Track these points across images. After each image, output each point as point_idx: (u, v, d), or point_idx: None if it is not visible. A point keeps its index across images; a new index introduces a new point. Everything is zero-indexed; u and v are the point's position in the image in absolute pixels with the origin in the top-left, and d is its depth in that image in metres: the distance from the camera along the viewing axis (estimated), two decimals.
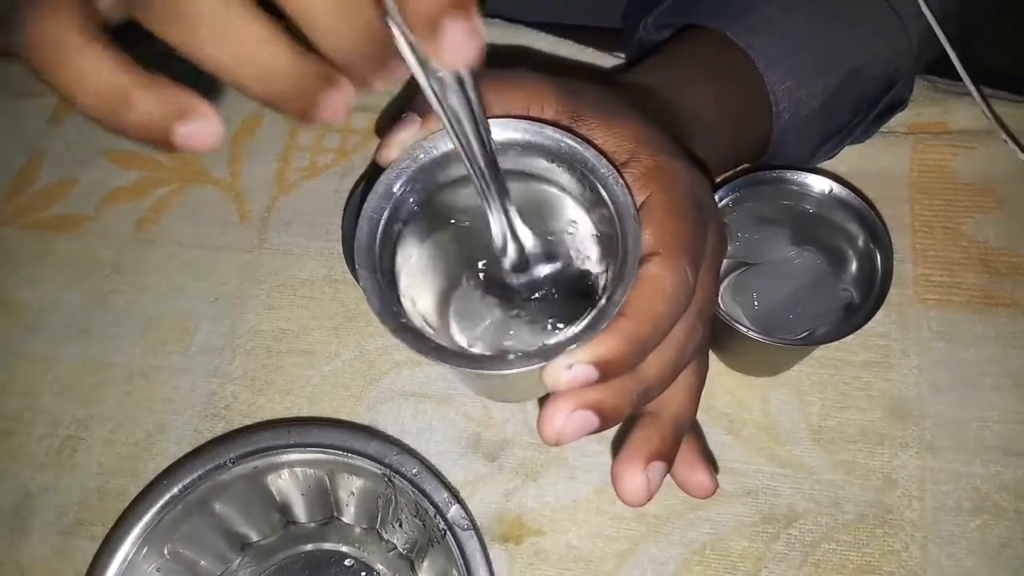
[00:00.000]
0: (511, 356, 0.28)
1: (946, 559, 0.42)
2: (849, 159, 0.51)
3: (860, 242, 0.42)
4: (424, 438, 0.47)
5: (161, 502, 0.42)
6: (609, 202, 0.30)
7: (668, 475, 0.33)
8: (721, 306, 0.44)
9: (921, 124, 0.52)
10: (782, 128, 0.45)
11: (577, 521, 0.45)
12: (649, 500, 0.31)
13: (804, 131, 0.46)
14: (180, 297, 0.53)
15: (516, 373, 0.28)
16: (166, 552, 0.43)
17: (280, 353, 0.50)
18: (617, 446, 0.46)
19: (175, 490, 0.42)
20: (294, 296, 0.52)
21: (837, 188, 0.42)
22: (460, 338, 0.32)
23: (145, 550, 0.42)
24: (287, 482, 0.45)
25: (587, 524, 0.45)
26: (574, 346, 0.27)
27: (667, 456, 0.32)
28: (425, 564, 0.44)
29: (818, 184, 0.43)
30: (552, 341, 0.28)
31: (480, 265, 0.33)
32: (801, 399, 0.46)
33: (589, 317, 0.28)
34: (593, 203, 0.31)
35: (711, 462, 0.36)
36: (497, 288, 0.32)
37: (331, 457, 0.43)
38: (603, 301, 0.28)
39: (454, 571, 0.41)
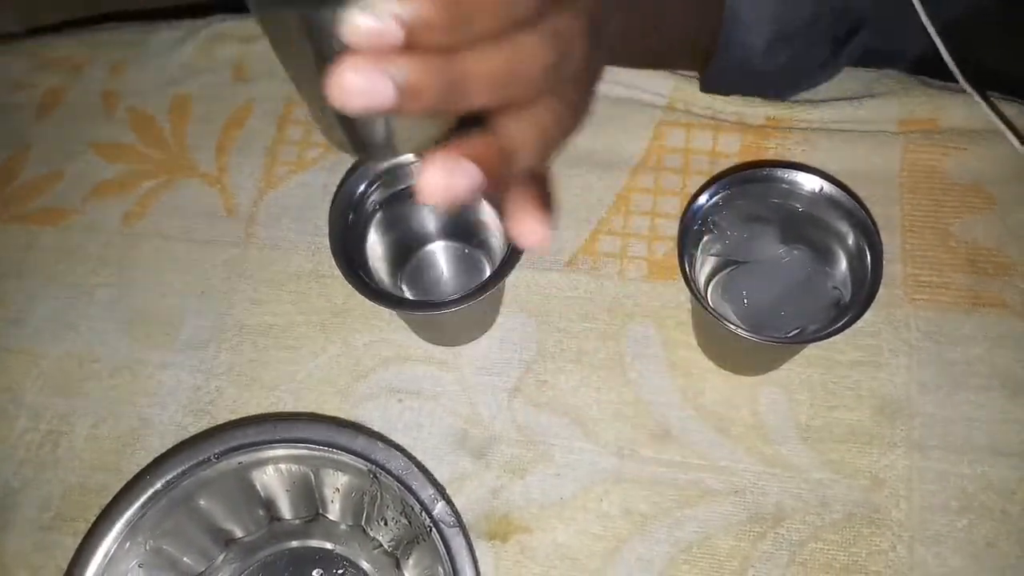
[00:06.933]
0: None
1: (932, 559, 0.42)
2: (839, 158, 0.51)
3: (850, 241, 0.42)
4: (410, 435, 0.47)
5: (144, 497, 0.42)
6: None
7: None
8: (710, 304, 0.43)
9: (912, 121, 0.52)
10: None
11: (564, 519, 0.44)
12: (443, 199, 0.28)
13: (757, 9, 0.46)
14: (166, 291, 0.52)
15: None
16: (148, 548, 0.42)
17: (266, 348, 0.50)
18: (602, 441, 0.46)
19: (158, 485, 0.42)
20: (281, 291, 0.51)
21: (828, 187, 0.42)
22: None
23: (127, 545, 0.41)
24: (272, 478, 0.44)
25: (574, 522, 0.44)
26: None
27: (485, 165, 0.29)
28: (411, 562, 0.44)
29: (808, 183, 0.43)
30: None
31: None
32: (790, 398, 0.46)
33: None
34: None
35: (550, 211, 0.33)
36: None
37: (316, 453, 0.43)
38: None
39: (440, 569, 0.40)
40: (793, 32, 0.48)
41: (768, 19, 0.47)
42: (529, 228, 0.32)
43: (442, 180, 0.27)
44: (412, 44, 0.25)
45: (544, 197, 0.33)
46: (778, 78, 0.52)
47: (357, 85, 0.25)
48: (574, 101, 0.34)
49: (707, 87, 0.54)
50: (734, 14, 0.47)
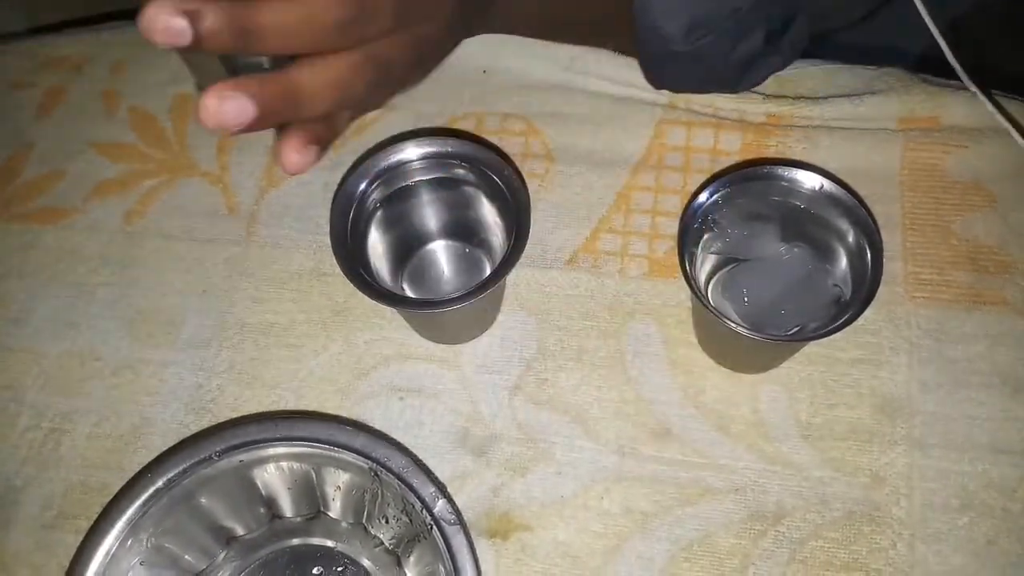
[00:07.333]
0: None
1: (933, 556, 0.42)
2: (840, 156, 0.51)
3: (850, 238, 0.42)
4: (412, 433, 0.47)
5: (145, 495, 0.42)
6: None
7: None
8: (711, 302, 0.44)
9: (912, 118, 0.52)
10: None
11: (564, 517, 0.45)
12: (214, 125, 0.31)
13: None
14: (167, 290, 0.52)
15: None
16: (150, 545, 0.42)
17: (267, 347, 0.50)
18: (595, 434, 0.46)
19: (159, 483, 0.42)
20: (282, 289, 0.52)
21: (828, 184, 0.42)
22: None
23: (129, 543, 0.41)
24: (273, 476, 0.44)
25: (574, 520, 0.44)
26: None
27: (259, 100, 0.32)
28: (411, 559, 0.44)
29: (809, 180, 0.43)
30: None
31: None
32: (790, 396, 0.46)
33: None
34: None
35: (319, 151, 0.37)
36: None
37: (317, 451, 0.43)
38: None
39: (440, 566, 0.40)
40: (711, 22, 0.47)
41: (681, 7, 0.47)
42: (287, 156, 0.36)
43: (212, 107, 0.31)
44: None
45: (323, 138, 0.37)
46: (708, 70, 0.51)
47: (158, 23, 0.29)
48: (384, 57, 0.38)
49: (650, 79, 0.54)
50: (643, 10, 0.47)
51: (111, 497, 0.43)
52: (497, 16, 0.53)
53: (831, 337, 0.40)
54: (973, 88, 0.49)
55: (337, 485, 0.44)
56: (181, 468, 0.42)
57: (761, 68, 0.52)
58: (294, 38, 0.33)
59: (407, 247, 0.50)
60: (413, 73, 0.45)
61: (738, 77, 0.52)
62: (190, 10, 0.30)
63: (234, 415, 0.48)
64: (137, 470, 0.44)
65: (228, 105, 0.31)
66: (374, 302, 0.42)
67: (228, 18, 0.31)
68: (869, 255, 0.41)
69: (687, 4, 0.46)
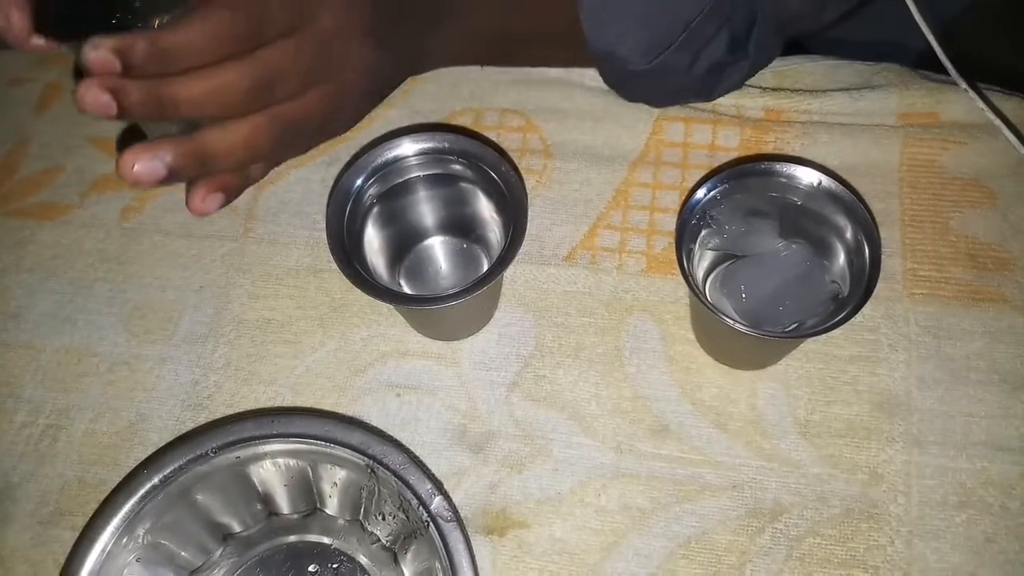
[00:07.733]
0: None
1: (931, 554, 0.42)
2: (839, 152, 0.51)
3: (848, 235, 0.42)
4: (409, 430, 0.47)
5: (141, 492, 0.42)
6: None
7: None
8: (708, 299, 0.43)
9: (912, 114, 0.52)
10: None
11: (561, 513, 0.44)
12: (131, 184, 0.38)
13: (619, 21, 0.46)
14: (164, 286, 0.52)
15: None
16: (146, 542, 0.42)
17: (264, 343, 0.50)
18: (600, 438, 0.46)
19: (156, 480, 0.42)
20: (279, 286, 0.51)
21: (826, 181, 0.42)
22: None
23: (125, 540, 0.41)
24: (269, 473, 0.44)
25: (571, 516, 0.44)
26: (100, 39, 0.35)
27: (170, 160, 0.38)
28: (408, 556, 0.44)
29: (807, 176, 0.42)
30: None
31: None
32: (788, 393, 0.46)
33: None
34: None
35: (224, 198, 0.43)
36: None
37: (314, 448, 0.43)
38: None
39: (437, 563, 0.40)
40: (665, 39, 0.47)
41: (633, 29, 0.47)
42: (192, 203, 0.42)
43: (126, 167, 0.37)
44: (136, 71, 0.36)
45: (232, 186, 0.43)
46: (673, 84, 0.51)
47: (87, 98, 0.35)
48: (291, 117, 0.43)
49: (622, 95, 0.54)
50: (597, 25, 0.47)
51: (107, 493, 0.43)
52: (447, 48, 0.53)
53: (829, 334, 0.40)
54: (963, 85, 0.49)
55: (334, 482, 0.44)
56: (177, 465, 0.42)
57: (732, 74, 0.52)
58: (205, 107, 0.38)
59: (404, 243, 0.50)
60: (331, 123, 0.49)
61: (708, 86, 0.52)
62: (114, 87, 0.35)
63: (230, 411, 0.48)
64: (133, 466, 0.44)
65: (141, 166, 0.37)
66: (371, 298, 0.42)
67: (146, 93, 0.36)
68: (867, 251, 0.41)
69: (639, 26, 0.47)
